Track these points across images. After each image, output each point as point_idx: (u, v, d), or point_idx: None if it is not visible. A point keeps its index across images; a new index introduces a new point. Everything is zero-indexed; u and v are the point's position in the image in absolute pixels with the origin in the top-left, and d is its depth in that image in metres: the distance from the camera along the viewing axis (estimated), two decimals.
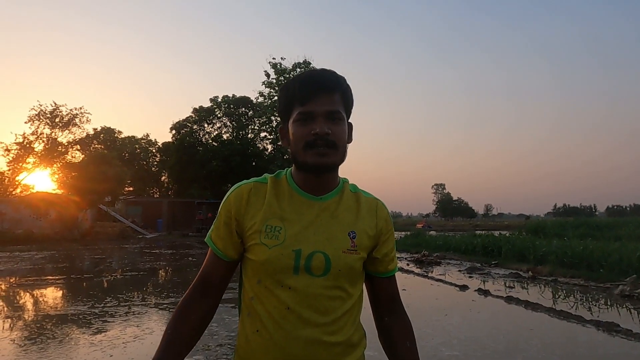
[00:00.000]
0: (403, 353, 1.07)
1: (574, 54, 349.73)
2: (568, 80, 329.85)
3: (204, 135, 37.07)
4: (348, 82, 1.04)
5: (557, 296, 7.47)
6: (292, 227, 0.99)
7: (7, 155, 33.14)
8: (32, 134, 33.62)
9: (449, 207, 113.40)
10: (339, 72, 1.04)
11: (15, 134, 33.50)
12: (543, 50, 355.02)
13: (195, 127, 36.88)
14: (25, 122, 33.70)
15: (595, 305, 6.67)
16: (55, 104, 33.99)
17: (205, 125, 37.16)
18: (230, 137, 36.21)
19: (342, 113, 1.01)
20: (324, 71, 1.02)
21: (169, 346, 1.00)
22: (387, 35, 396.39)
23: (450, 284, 8.63)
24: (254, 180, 1.07)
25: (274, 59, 32.26)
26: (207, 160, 33.46)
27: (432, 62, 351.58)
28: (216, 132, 37.11)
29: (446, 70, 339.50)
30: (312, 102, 0.98)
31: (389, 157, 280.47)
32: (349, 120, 1.06)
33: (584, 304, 6.84)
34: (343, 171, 1.07)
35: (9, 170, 33.66)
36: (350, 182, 1.12)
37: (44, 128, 33.98)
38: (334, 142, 0.98)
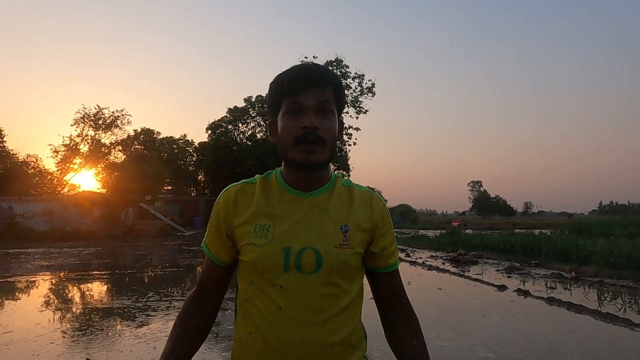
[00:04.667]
0: (411, 351, 1.02)
1: (615, 42, 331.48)
2: (612, 69, 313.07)
3: (238, 134, 37.77)
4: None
5: (602, 298, 7.15)
6: (281, 225, 0.97)
7: (56, 156, 35.13)
8: (78, 135, 35.41)
9: (486, 204, 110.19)
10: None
11: (63, 136, 35.42)
12: (584, 42, 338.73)
13: (230, 127, 37.63)
14: (72, 125, 35.56)
15: None
16: (98, 106, 35.62)
17: (240, 125, 37.85)
18: (263, 137, 36.67)
19: (333, 107, 0.99)
20: (315, 65, 1.01)
21: (173, 349, 1.02)
22: (419, 29, 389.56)
23: (488, 283, 8.42)
24: (242, 181, 1.07)
25: (305, 57, 32.40)
26: (241, 160, 34.09)
27: (467, 55, 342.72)
28: (250, 132, 37.71)
29: (482, 63, 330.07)
30: (303, 94, 0.95)
31: (423, 153, 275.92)
32: (339, 118, 1.04)
33: (633, 306, 6.50)
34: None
35: (58, 170, 35.65)
36: (343, 177, 1.09)
37: (88, 130, 35.71)
38: (323, 138, 0.95)
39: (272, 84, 1.02)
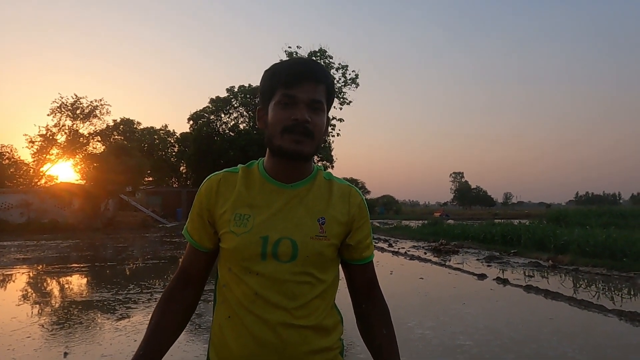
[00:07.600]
0: (380, 339, 1.07)
1: (594, 38, 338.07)
2: (589, 64, 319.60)
3: (221, 125, 37.32)
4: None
5: (578, 285, 7.36)
6: (260, 215, 1.00)
7: (32, 147, 34.14)
8: (55, 126, 34.46)
9: (467, 195, 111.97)
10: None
11: (39, 127, 34.40)
12: (562, 35, 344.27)
13: (212, 117, 37.14)
14: (48, 115, 34.57)
15: (618, 295, 6.54)
16: (76, 96, 34.69)
17: (222, 115, 37.38)
18: (247, 127, 36.36)
19: (324, 104, 1.02)
20: (312, 61, 1.04)
21: (153, 337, 1.03)
22: (403, 21, 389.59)
23: (469, 272, 8.58)
24: (225, 170, 1.09)
25: (289, 47, 32.04)
26: (224, 150, 33.76)
27: (449, 48, 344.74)
28: (233, 122, 37.31)
29: (464, 55, 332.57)
30: (297, 88, 0.98)
31: (405, 145, 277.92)
32: (328, 115, 1.07)
33: (606, 293, 6.71)
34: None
35: (34, 161, 34.68)
36: (325, 170, 1.11)
37: (65, 120, 34.80)
38: (312, 132, 0.98)
39: (267, 72, 1.04)
